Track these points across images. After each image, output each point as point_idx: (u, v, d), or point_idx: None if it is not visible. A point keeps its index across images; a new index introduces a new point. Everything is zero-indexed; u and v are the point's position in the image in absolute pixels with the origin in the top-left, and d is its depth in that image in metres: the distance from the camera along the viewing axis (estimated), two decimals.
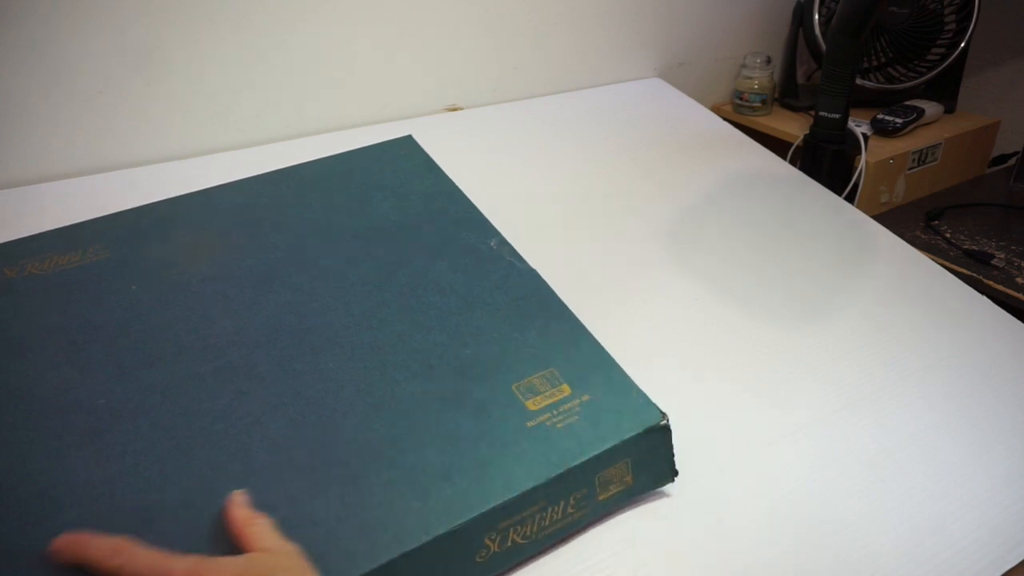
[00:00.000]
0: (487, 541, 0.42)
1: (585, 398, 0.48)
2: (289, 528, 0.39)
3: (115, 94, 0.79)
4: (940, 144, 1.09)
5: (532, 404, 0.47)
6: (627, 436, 0.46)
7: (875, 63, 1.16)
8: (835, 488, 0.50)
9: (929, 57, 1.14)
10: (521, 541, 0.44)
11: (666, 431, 0.48)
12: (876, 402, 0.57)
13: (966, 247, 0.96)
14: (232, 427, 0.45)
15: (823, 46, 1.12)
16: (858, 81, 1.13)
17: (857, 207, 0.86)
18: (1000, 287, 0.87)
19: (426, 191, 0.66)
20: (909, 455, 0.53)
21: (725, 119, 1.04)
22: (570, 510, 0.45)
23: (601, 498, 0.46)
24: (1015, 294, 0.86)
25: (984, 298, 0.70)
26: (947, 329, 0.65)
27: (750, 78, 1.17)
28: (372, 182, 0.66)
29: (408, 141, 0.72)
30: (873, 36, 1.14)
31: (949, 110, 1.16)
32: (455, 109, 1.00)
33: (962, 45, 1.11)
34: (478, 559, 0.42)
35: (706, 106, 1.08)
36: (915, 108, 1.10)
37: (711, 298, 0.68)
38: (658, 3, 1.11)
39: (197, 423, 0.45)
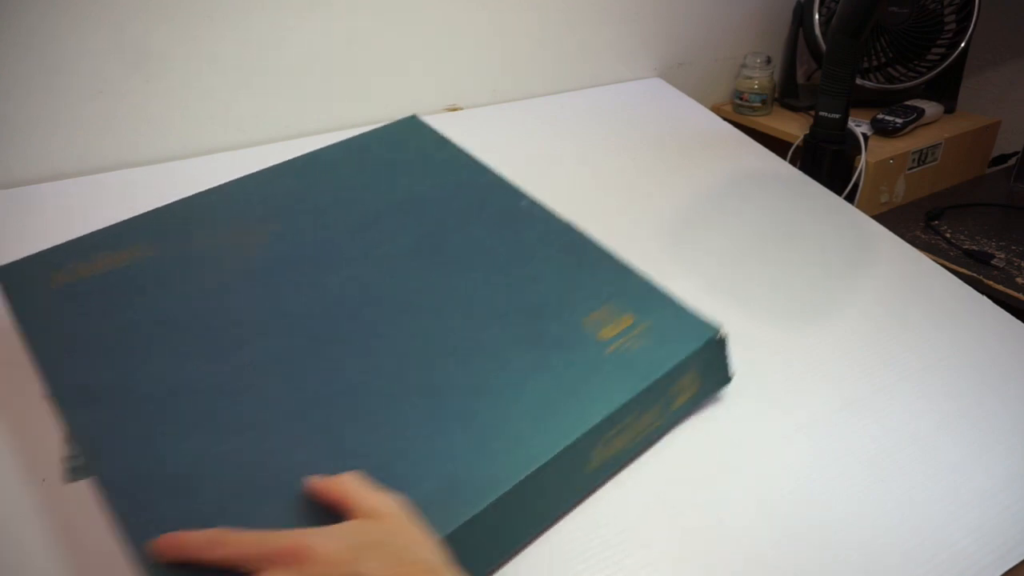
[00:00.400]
0: (594, 453, 0.47)
1: (648, 323, 0.53)
2: (426, 463, 0.43)
3: (114, 94, 0.78)
4: (940, 144, 1.09)
5: (604, 334, 0.52)
6: (692, 350, 0.52)
7: (875, 63, 1.16)
8: (835, 488, 0.50)
9: (929, 57, 1.14)
10: (619, 450, 0.49)
11: (723, 342, 0.55)
12: (876, 402, 0.57)
13: (966, 247, 0.96)
14: (341, 390, 0.47)
15: (823, 46, 1.12)
16: (858, 81, 1.13)
17: (857, 207, 0.85)
18: (1000, 287, 0.87)
19: (445, 163, 0.68)
20: (909, 455, 0.53)
21: (725, 119, 1.04)
22: (654, 418, 0.51)
23: (676, 406, 0.53)
24: (1015, 294, 0.86)
25: (984, 298, 0.70)
26: (947, 329, 0.65)
27: (750, 78, 1.17)
28: (392, 160, 0.69)
29: (414, 120, 0.75)
30: (873, 36, 1.14)
31: (949, 110, 1.16)
32: (455, 109, 1.00)
33: (962, 45, 1.11)
34: (587, 469, 0.48)
35: (706, 106, 1.08)
36: (915, 108, 1.10)
37: (711, 298, 0.68)
38: (658, 3, 1.11)
39: (305, 392, 0.47)
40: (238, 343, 0.50)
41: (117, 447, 0.43)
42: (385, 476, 0.41)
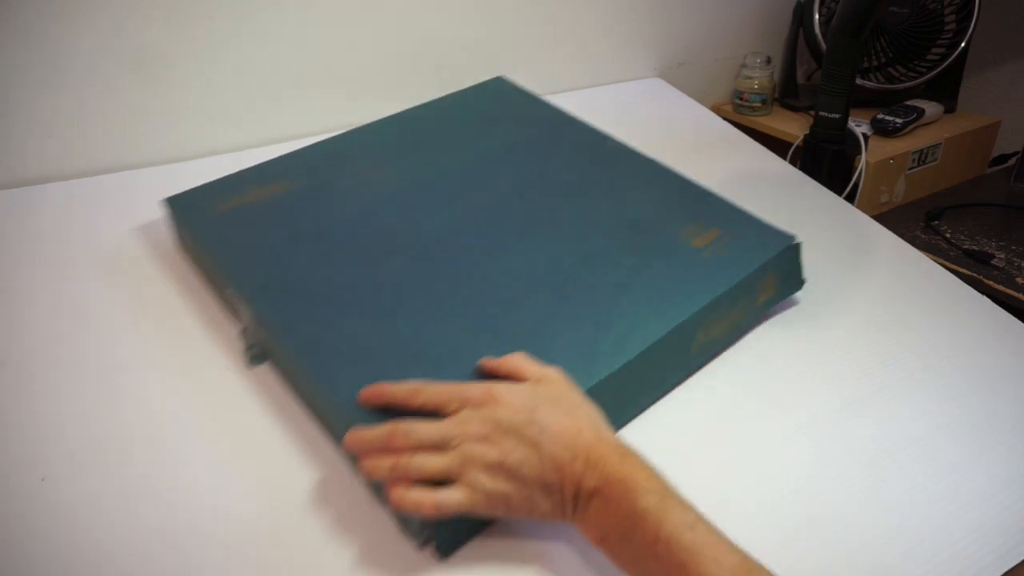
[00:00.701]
0: (698, 334, 0.56)
1: (732, 235, 0.62)
2: (564, 338, 0.52)
3: (113, 95, 0.79)
4: (940, 144, 1.09)
5: (697, 243, 0.61)
6: (774, 254, 0.60)
7: (875, 63, 1.16)
8: (835, 488, 0.50)
9: (929, 57, 1.14)
10: (715, 337, 0.58)
11: (798, 248, 0.63)
12: (876, 402, 0.57)
13: (966, 247, 0.96)
14: (484, 289, 0.55)
15: (823, 46, 1.12)
16: (858, 81, 1.13)
17: (857, 207, 0.85)
18: (1000, 287, 0.87)
19: (538, 113, 0.79)
20: (909, 455, 0.53)
21: (725, 119, 1.04)
22: (741, 312, 0.59)
23: (759, 303, 0.61)
24: (1015, 294, 0.86)
25: (984, 298, 0.70)
26: (947, 329, 0.65)
27: (750, 78, 1.17)
28: (492, 111, 0.81)
29: (501, 80, 0.86)
30: (873, 36, 1.14)
31: (949, 110, 1.16)
32: None
33: (962, 45, 1.11)
34: (692, 349, 0.56)
35: (706, 106, 1.08)
36: (915, 108, 1.10)
37: None
38: (658, 3, 1.11)
39: (455, 291, 0.55)
40: (388, 252, 0.59)
41: (304, 327, 0.52)
42: (534, 352, 0.48)
